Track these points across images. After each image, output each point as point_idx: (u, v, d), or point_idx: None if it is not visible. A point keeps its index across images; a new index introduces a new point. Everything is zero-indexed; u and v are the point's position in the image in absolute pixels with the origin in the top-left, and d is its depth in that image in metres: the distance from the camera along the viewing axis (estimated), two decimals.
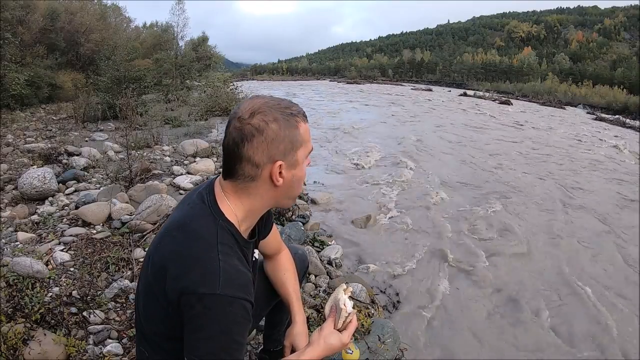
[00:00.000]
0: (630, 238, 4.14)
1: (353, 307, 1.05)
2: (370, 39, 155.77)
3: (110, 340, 1.76)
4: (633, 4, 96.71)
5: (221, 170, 0.92)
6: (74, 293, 1.96)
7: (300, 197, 4.23)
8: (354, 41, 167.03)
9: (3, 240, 2.52)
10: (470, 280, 3.03)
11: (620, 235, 4.22)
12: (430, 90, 38.89)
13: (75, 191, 3.69)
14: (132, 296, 2.04)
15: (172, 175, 4.46)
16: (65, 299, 1.89)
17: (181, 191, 3.95)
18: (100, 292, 2.04)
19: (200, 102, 11.23)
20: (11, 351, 1.50)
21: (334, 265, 2.83)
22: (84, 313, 1.86)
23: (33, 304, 1.74)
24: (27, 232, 2.71)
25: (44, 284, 2.02)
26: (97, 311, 1.89)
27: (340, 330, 1.02)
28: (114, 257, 2.35)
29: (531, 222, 4.39)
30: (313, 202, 4.34)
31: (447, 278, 3.03)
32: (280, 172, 0.86)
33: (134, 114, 7.51)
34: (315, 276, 2.59)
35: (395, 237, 3.70)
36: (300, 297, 1.24)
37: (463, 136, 10.45)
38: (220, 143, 3.61)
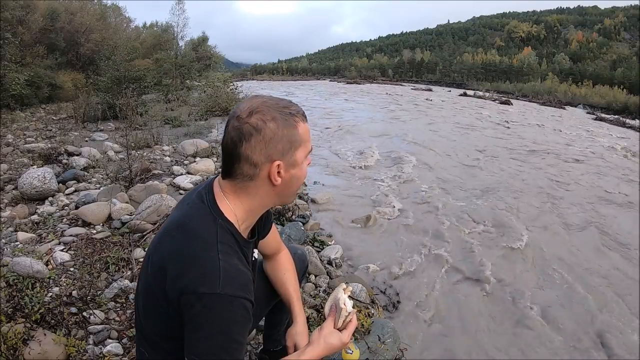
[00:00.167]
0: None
1: (353, 307, 1.05)
2: (370, 39, 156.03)
3: (110, 340, 1.76)
4: (633, 4, 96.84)
5: (220, 170, 0.92)
6: (74, 293, 1.96)
7: (300, 197, 4.23)
8: (354, 41, 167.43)
9: (3, 240, 2.52)
10: (471, 280, 3.03)
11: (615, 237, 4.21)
12: (430, 90, 38.87)
13: (75, 191, 3.69)
14: (132, 296, 2.04)
15: (172, 175, 4.46)
16: (65, 299, 1.89)
17: (181, 191, 3.95)
18: (100, 292, 2.04)
19: (200, 102, 11.24)
20: (11, 351, 1.50)
21: (333, 265, 2.84)
22: (84, 313, 1.86)
23: (33, 304, 1.75)
24: (27, 232, 2.71)
25: (44, 284, 2.02)
26: (97, 311, 1.89)
27: (340, 330, 1.02)
28: (114, 257, 2.35)
29: (532, 221, 4.40)
30: (313, 202, 4.33)
31: (447, 278, 3.03)
32: (279, 172, 0.86)
33: (134, 114, 7.51)
34: (315, 276, 2.59)
35: (395, 237, 3.70)
36: (300, 297, 1.24)
37: (463, 136, 10.46)
38: (220, 143, 3.63)
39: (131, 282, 2.17)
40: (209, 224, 0.86)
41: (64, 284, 2.05)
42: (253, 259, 1.05)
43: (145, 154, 5.25)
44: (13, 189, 3.58)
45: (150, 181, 4.03)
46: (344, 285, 1.07)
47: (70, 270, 2.23)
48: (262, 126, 0.83)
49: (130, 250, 2.48)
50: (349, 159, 6.79)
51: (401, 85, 50.85)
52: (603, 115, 25.59)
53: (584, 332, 2.51)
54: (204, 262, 0.81)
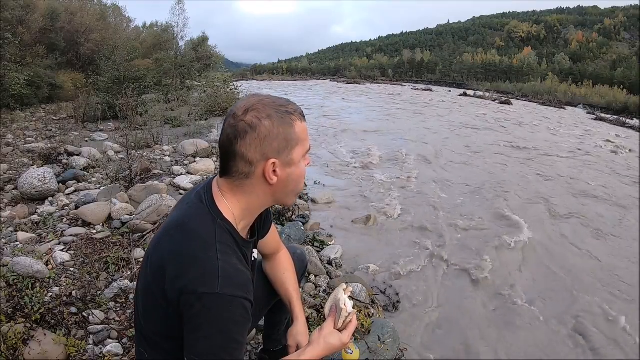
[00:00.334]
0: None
1: (353, 307, 1.05)
2: (370, 39, 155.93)
3: (110, 340, 1.76)
4: (633, 4, 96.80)
5: (218, 169, 0.92)
6: (74, 293, 1.96)
7: (300, 197, 4.23)
8: (354, 41, 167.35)
9: (3, 240, 2.52)
10: (471, 280, 3.03)
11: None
12: (430, 90, 38.85)
13: (75, 191, 3.69)
14: (132, 296, 2.04)
15: (172, 175, 4.47)
16: (65, 299, 1.89)
17: (181, 191, 3.95)
18: (100, 292, 2.04)
19: (200, 102, 11.23)
20: (11, 351, 1.50)
21: (334, 265, 2.83)
22: (84, 313, 1.86)
23: (33, 304, 1.75)
24: (27, 232, 2.71)
25: (44, 284, 2.02)
26: (97, 311, 1.89)
27: (340, 330, 1.02)
28: (113, 257, 2.35)
29: (529, 218, 4.42)
30: (313, 202, 4.34)
31: (447, 278, 3.03)
32: (274, 171, 0.86)
33: (134, 114, 7.51)
34: (315, 276, 2.59)
35: (396, 237, 3.70)
36: (300, 296, 1.24)
37: (463, 136, 10.46)
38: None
39: (131, 282, 2.17)
40: (208, 223, 0.86)
41: (64, 284, 2.05)
42: (253, 259, 1.05)
43: (145, 154, 5.26)
44: (13, 189, 3.58)
45: (150, 181, 4.03)
46: (344, 286, 1.07)
47: (70, 270, 2.23)
48: (257, 124, 0.83)
49: (130, 250, 2.48)
50: (348, 159, 6.79)
51: (401, 85, 50.83)
52: (603, 115, 25.59)
53: (587, 333, 2.51)
54: (203, 262, 0.81)
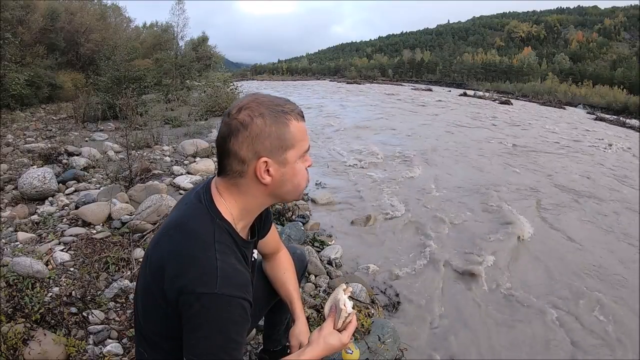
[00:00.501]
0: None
1: (353, 308, 1.05)
2: (370, 39, 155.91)
3: (110, 340, 1.76)
4: (633, 4, 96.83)
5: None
6: (74, 293, 1.96)
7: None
8: (354, 41, 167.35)
9: (3, 240, 2.52)
10: (471, 279, 3.03)
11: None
12: (430, 90, 38.82)
13: (75, 191, 3.69)
14: (132, 296, 2.04)
15: (172, 175, 4.47)
16: (65, 299, 1.89)
17: (181, 191, 3.95)
18: (100, 292, 2.04)
19: (200, 102, 11.23)
20: (11, 351, 1.50)
21: (334, 265, 2.83)
22: (84, 313, 1.86)
23: (33, 304, 1.75)
24: (27, 232, 2.71)
25: (44, 284, 2.02)
26: (97, 311, 1.89)
27: (340, 331, 1.02)
28: (113, 257, 2.35)
29: (527, 215, 4.45)
30: (313, 202, 4.34)
31: (447, 278, 3.03)
32: (268, 170, 0.86)
33: (134, 114, 7.52)
34: (315, 276, 2.59)
35: (396, 237, 3.70)
36: (300, 296, 1.24)
37: (463, 136, 10.47)
38: None
39: (131, 282, 2.17)
40: (207, 223, 0.86)
41: (64, 284, 2.05)
42: (253, 259, 1.05)
43: (145, 154, 5.26)
44: (13, 189, 3.58)
45: (150, 181, 4.04)
46: (344, 286, 1.07)
47: (70, 270, 2.23)
48: (249, 122, 0.83)
49: (130, 250, 2.48)
50: (348, 158, 6.79)
51: (401, 85, 50.82)
52: (603, 115, 25.59)
53: (589, 330, 2.51)
54: (201, 262, 0.80)
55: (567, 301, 2.84)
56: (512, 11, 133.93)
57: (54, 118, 8.79)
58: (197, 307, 0.78)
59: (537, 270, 3.28)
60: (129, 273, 2.28)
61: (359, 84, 48.03)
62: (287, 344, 1.20)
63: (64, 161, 4.68)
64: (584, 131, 14.65)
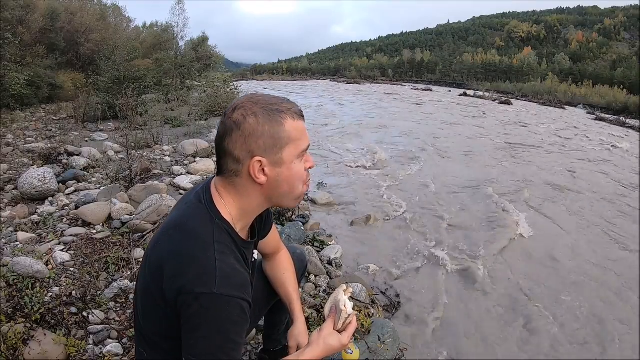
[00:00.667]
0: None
1: (353, 308, 1.05)
2: (370, 39, 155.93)
3: (110, 340, 1.76)
4: (633, 4, 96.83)
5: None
6: (74, 293, 1.96)
7: None
8: (354, 41, 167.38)
9: (3, 240, 2.52)
10: (471, 280, 3.03)
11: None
12: (430, 90, 38.85)
13: (75, 191, 3.69)
14: (132, 296, 2.04)
15: (172, 175, 4.47)
16: (65, 299, 1.89)
17: (181, 191, 3.95)
18: (100, 292, 2.04)
19: (200, 102, 11.22)
20: (11, 351, 1.50)
21: (334, 265, 2.83)
22: (84, 313, 1.86)
23: (33, 304, 1.74)
24: (27, 232, 2.71)
25: (44, 284, 2.02)
26: (97, 311, 1.89)
27: (340, 331, 1.01)
28: (113, 257, 2.34)
29: (525, 213, 4.47)
30: (313, 202, 4.34)
31: (447, 278, 3.03)
32: (263, 170, 0.86)
33: (134, 114, 7.51)
34: (315, 276, 2.59)
35: (396, 237, 3.70)
36: (300, 297, 1.24)
37: (462, 135, 10.47)
38: None
39: (131, 282, 2.17)
40: (206, 223, 0.86)
41: (64, 284, 2.05)
42: (253, 259, 1.05)
43: (145, 154, 5.26)
44: (13, 189, 3.58)
45: (150, 181, 4.04)
46: (345, 287, 1.07)
47: (70, 270, 2.23)
48: (242, 121, 0.83)
49: (130, 250, 2.48)
50: (347, 158, 6.79)
51: (401, 85, 50.82)
52: (603, 115, 25.59)
53: (584, 326, 2.51)
54: (200, 262, 0.80)
55: (567, 301, 2.84)
56: (512, 11, 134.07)
57: (54, 118, 8.78)
58: (195, 307, 0.78)
59: (538, 269, 3.28)
60: (129, 273, 2.28)
61: (359, 84, 48.03)
62: (287, 344, 1.19)
63: (64, 161, 4.67)
64: (584, 131, 14.64)
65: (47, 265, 2.21)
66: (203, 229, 0.85)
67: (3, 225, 2.80)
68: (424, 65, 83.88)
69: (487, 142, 9.64)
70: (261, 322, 1.56)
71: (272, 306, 1.35)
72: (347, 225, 3.87)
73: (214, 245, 0.83)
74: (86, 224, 2.85)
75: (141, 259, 2.31)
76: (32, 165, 4.41)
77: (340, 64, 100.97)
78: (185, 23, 18.35)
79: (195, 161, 5.21)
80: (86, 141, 6.21)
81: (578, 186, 6.05)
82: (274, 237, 1.19)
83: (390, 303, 2.57)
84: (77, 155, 4.91)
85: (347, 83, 48.57)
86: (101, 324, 1.84)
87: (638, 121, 22.43)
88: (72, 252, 2.42)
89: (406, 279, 2.94)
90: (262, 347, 1.60)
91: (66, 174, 4.06)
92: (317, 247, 3.06)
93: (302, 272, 1.43)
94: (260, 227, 1.08)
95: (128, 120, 6.83)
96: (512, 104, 26.04)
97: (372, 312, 2.28)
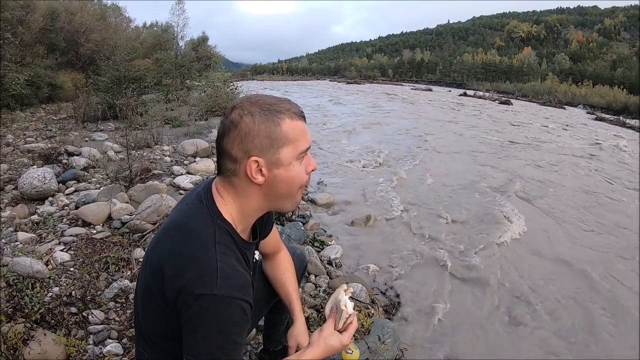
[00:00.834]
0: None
1: (354, 309, 1.05)
2: (370, 39, 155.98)
3: (110, 340, 1.76)
4: (633, 4, 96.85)
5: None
6: (74, 293, 1.96)
7: None
8: (354, 41, 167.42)
9: (3, 240, 2.52)
10: (471, 280, 3.03)
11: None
12: (430, 90, 38.84)
13: (75, 191, 3.69)
14: (132, 296, 2.04)
15: (172, 175, 4.46)
16: (65, 299, 1.89)
17: (181, 191, 3.95)
18: (100, 292, 2.04)
19: (200, 102, 11.22)
20: (11, 351, 1.50)
21: (334, 265, 2.83)
22: (84, 313, 1.86)
23: (33, 304, 1.74)
24: (27, 232, 2.71)
25: (44, 284, 2.02)
26: (97, 311, 1.89)
27: (340, 332, 1.01)
28: (114, 257, 2.34)
29: (525, 212, 4.48)
30: (313, 202, 4.34)
31: (447, 278, 3.02)
32: (260, 170, 0.85)
33: (134, 114, 7.50)
34: (315, 276, 2.59)
35: (396, 237, 3.70)
36: (300, 297, 1.24)
37: (464, 136, 10.47)
38: None
39: (131, 282, 2.17)
40: (207, 224, 0.86)
41: (64, 284, 2.05)
42: (254, 260, 1.05)
43: (145, 154, 5.25)
44: (13, 189, 3.58)
45: (150, 181, 4.03)
46: (345, 287, 1.07)
47: (70, 270, 2.23)
48: (239, 120, 0.83)
49: (130, 250, 2.48)
50: (346, 157, 6.80)
51: (401, 85, 50.80)
52: (603, 115, 25.59)
53: (581, 328, 2.51)
54: (201, 263, 0.80)
55: (567, 300, 2.84)
56: (512, 11, 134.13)
57: (54, 118, 8.78)
58: (196, 307, 0.77)
59: (538, 268, 3.28)
60: (129, 273, 2.28)
61: (359, 84, 48.03)
62: (287, 344, 1.19)
63: (64, 161, 4.67)
64: (582, 129, 14.66)
65: (47, 265, 2.21)
66: (204, 229, 0.85)
67: (3, 225, 2.80)
68: (424, 65, 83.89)
69: (485, 140, 9.65)
70: (261, 322, 1.56)
71: (272, 306, 1.35)
72: (347, 225, 3.87)
73: (215, 245, 0.83)
74: (86, 224, 2.85)
75: (141, 259, 2.32)
76: (32, 165, 4.41)
77: (340, 64, 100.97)
78: (185, 23, 18.34)
79: (195, 161, 5.20)
80: (86, 141, 6.21)
81: (585, 187, 6.03)
82: (274, 237, 1.19)
83: (390, 303, 2.57)
84: (77, 155, 4.91)
85: (347, 83, 48.55)
86: (101, 324, 1.84)
87: (638, 121, 22.43)
88: (72, 252, 2.42)
89: (406, 279, 2.94)
90: (262, 347, 1.60)
91: (66, 174, 4.06)
92: (317, 247, 3.06)
93: (302, 272, 1.43)
94: (261, 227, 1.08)
95: (128, 120, 6.82)
96: (512, 104, 26.04)
97: (372, 312, 2.28)
